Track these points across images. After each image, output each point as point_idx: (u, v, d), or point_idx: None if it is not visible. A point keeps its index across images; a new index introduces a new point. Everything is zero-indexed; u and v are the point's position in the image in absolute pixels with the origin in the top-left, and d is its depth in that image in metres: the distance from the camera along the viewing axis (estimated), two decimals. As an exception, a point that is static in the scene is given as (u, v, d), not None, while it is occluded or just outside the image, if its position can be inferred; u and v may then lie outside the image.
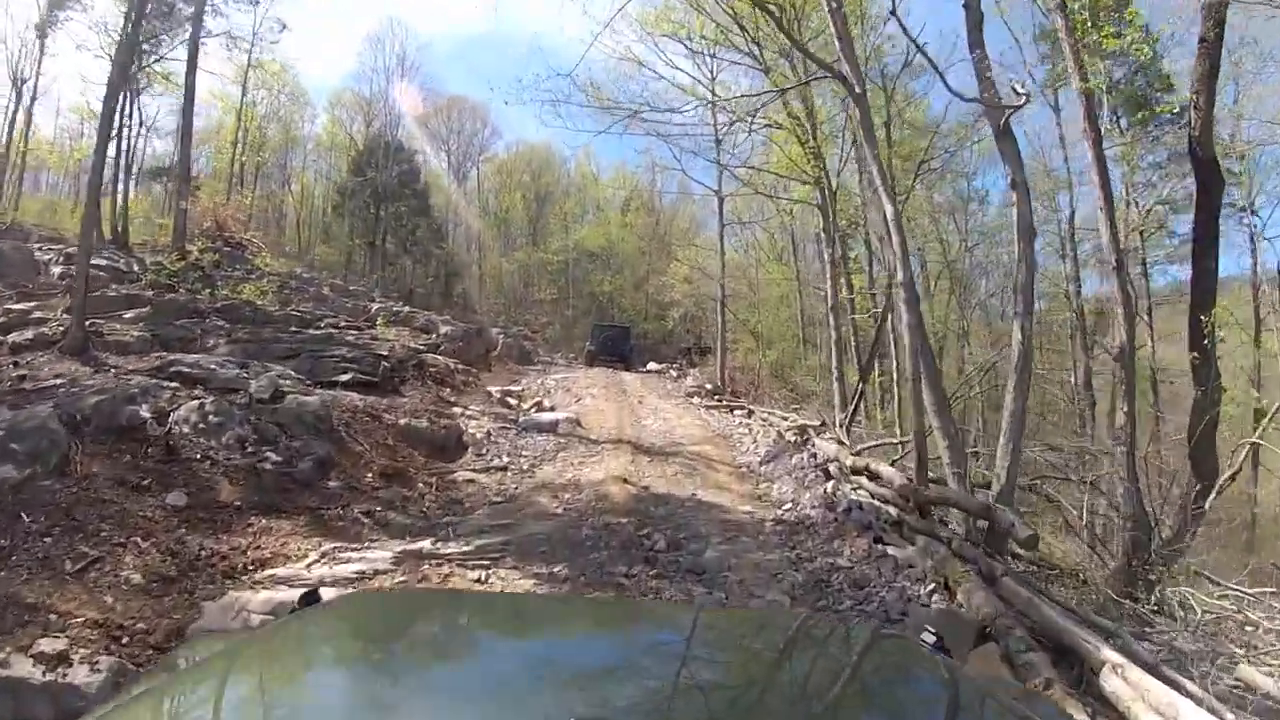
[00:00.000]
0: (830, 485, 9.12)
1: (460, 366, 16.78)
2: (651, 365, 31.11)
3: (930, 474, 8.60)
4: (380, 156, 38.92)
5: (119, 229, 24.90)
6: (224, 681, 1.51)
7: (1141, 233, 24.19)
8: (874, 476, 9.43)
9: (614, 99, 14.47)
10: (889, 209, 8.07)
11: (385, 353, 14.15)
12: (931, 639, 2.03)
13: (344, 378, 12.74)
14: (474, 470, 10.34)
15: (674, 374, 28.44)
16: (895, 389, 19.74)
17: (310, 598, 2.05)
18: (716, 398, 20.92)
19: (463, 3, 51.81)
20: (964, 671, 2.04)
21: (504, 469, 10.50)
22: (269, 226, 47.31)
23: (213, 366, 10.75)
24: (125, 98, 26.25)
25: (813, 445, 12.66)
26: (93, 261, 21.42)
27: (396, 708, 1.36)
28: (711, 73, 20.55)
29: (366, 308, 23.96)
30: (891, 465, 10.98)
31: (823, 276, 38.00)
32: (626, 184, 52.45)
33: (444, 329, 24.04)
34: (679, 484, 9.79)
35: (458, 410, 13.29)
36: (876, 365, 27.65)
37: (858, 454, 11.60)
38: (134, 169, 39.74)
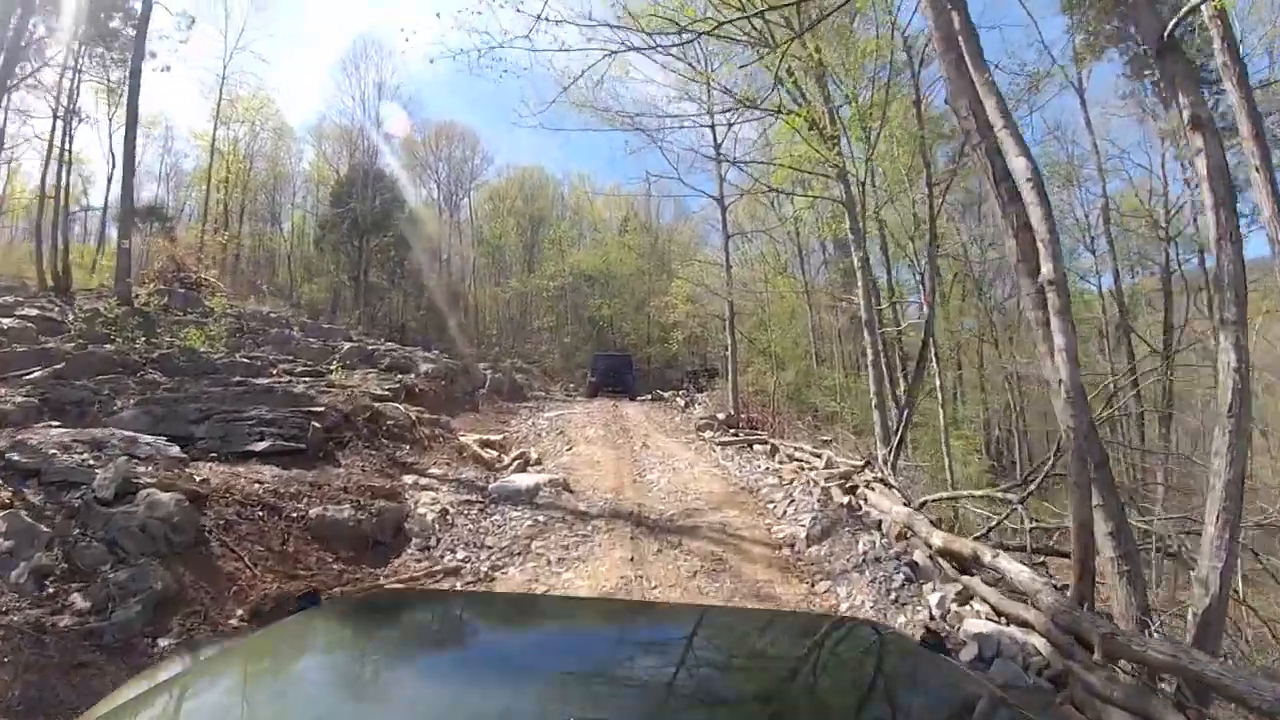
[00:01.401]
0: (934, 600, 5.85)
1: (427, 416, 13.59)
2: (656, 393, 27.96)
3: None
4: (360, 186, 35.87)
5: (60, 272, 21.83)
6: (224, 681, 1.49)
7: (1197, 217, 21.07)
8: (988, 573, 6.22)
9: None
10: (1021, 164, 4.91)
11: (320, 409, 10.97)
12: (932, 639, 1.96)
13: (259, 446, 9.58)
14: (410, 579, 7.14)
15: (681, 402, 25.22)
16: (941, 412, 16.55)
17: (310, 598, 1.97)
18: (731, 431, 17.72)
19: (452, 32, 48.99)
20: (962, 669, 2.05)
21: (455, 572, 7.31)
22: (260, 266, 44.69)
23: (53, 451, 7.58)
24: (62, 129, 23.35)
25: (869, 503, 9.48)
26: (24, 311, 18.59)
27: (397, 707, 1.33)
28: (707, 67, 17.57)
29: (336, 348, 20.90)
30: (983, 538, 7.79)
31: (839, 286, 35.06)
32: (622, 204, 49.76)
33: (424, 367, 20.94)
34: (700, 594, 6.54)
35: (410, 480, 10.09)
36: (902, 382, 24.57)
37: (935, 520, 8.41)
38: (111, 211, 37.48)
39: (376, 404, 13.56)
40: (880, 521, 8.24)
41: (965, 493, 10.40)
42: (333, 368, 15.62)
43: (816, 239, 36.09)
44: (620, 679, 1.53)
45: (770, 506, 9.77)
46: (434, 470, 10.93)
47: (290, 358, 18.56)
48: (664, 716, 1.34)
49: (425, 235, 42.21)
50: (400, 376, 19.24)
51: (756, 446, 15.83)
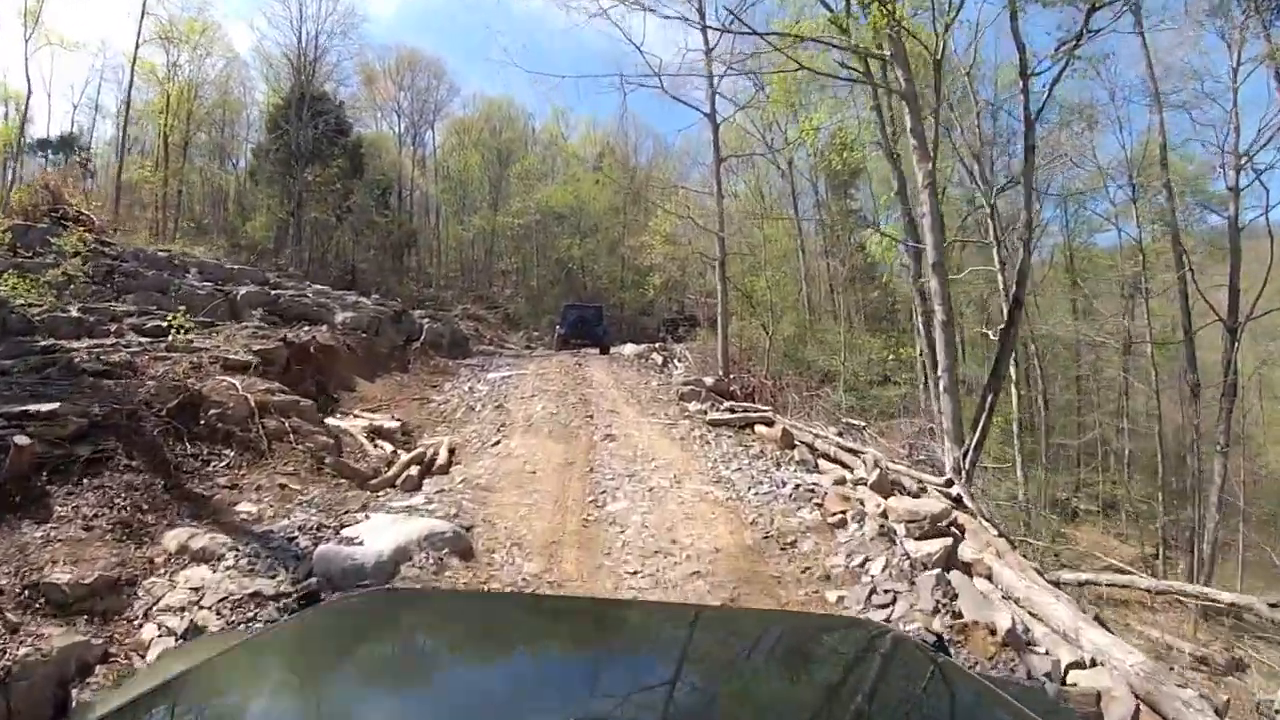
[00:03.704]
0: None
1: (280, 399, 8.68)
2: (629, 348, 23.12)
3: None
4: (296, 109, 30.07)
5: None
6: (224, 682, 1.42)
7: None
8: None
9: None
10: None
11: (49, 409, 6.12)
12: (932, 639, 1.95)
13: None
14: None
15: (658, 359, 20.37)
16: (1014, 395, 11.95)
17: (310, 598, 1.96)
18: (727, 405, 12.98)
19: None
20: (964, 670, 1.87)
21: None
22: (215, 205, 39.21)
23: None
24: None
25: (1006, 591, 4.94)
26: None
27: (396, 707, 1.28)
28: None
29: (232, 295, 15.91)
30: None
31: (834, 230, 30.22)
32: (598, 141, 44.58)
33: (341, 316, 16.06)
34: None
35: (173, 542, 5.26)
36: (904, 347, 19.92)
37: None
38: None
39: (224, 379, 8.83)
40: (1099, 697, 3.63)
41: (1134, 580, 5.89)
42: (169, 322, 10.57)
43: (808, 178, 31.26)
44: (619, 679, 1.44)
45: (833, 599, 5.10)
46: (245, 506, 6.15)
47: (153, 309, 13.63)
48: (663, 716, 1.25)
49: (379, 168, 36.68)
50: (308, 329, 14.41)
51: (760, 429, 11.24)
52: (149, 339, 10.87)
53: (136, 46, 31.98)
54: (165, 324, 11.29)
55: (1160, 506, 21.49)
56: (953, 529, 6.25)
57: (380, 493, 7.19)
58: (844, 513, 6.64)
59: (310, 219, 31.64)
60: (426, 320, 19.04)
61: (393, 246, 34.94)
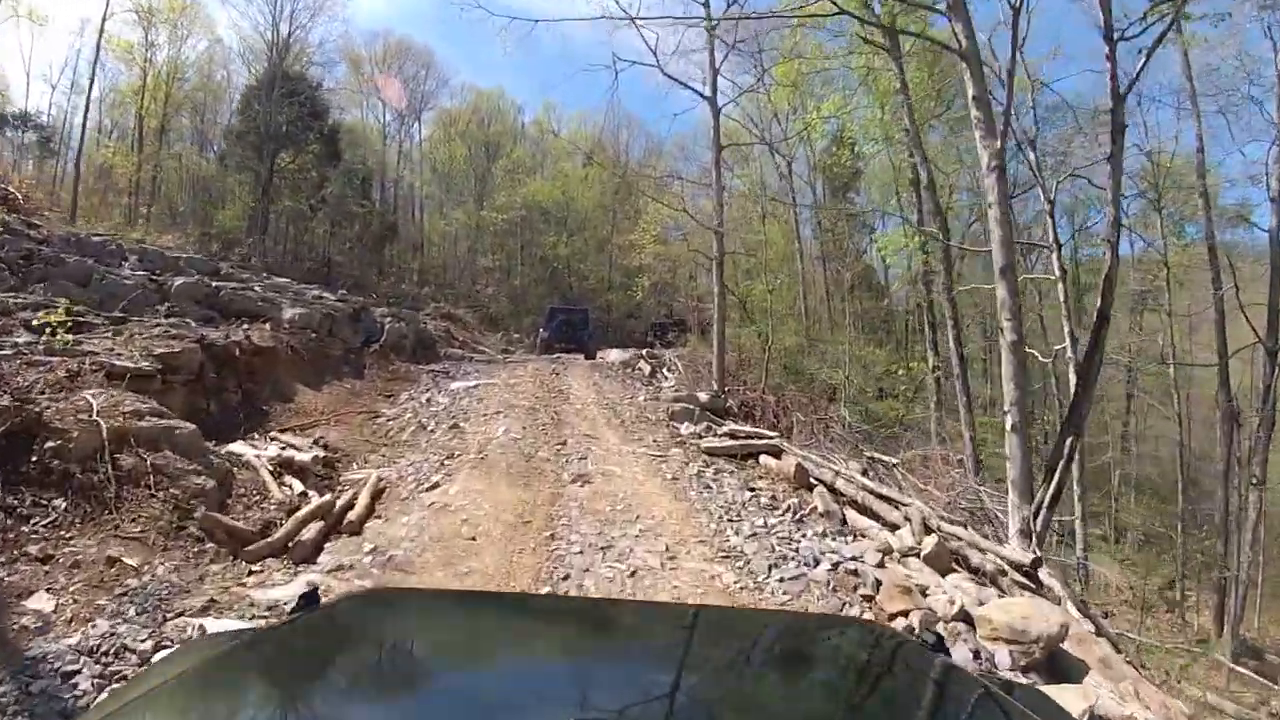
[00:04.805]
0: None
1: (150, 425, 6.54)
2: (614, 353, 21.02)
3: None
4: (267, 89, 27.82)
5: None
6: (225, 681, 1.36)
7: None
8: None
9: None
10: None
11: None
12: (932, 639, 1.75)
13: None
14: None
15: (645, 368, 18.28)
16: (1050, 422, 9.99)
17: (310, 598, 1.77)
18: (726, 430, 10.91)
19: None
20: (964, 670, 1.75)
21: None
22: (198, 193, 36.94)
23: None
24: None
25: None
26: None
27: (393, 709, 1.23)
28: None
29: (165, 285, 13.76)
30: None
31: (835, 238, 28.23)
32: (588, 138, 42.49)
33: (290, 312, 13.92)
34: None
35: None
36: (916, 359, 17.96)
37: None
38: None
39: (84, 397, 6.72)
40: None
41: None
42: (43, 318, 8.45)
43: (806, 180, 29.25)
44: (618, 680, 1.39)
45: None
46: (38, 601, 4.02)
47: (62, 300, 11.50)
48: (662, 716, 1.19)
49: (359, 157, 34.42)
50: (246, 327, 12.36)
51: (767, 460, 9.27)
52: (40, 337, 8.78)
53: (104, 20, 29.64)
54: (95, 318, 9.24)
55: (1179, 539, 19.64)
56: (1064, 646, 4.27)
57: (257, 565, 5.09)
58: (906, 613, 4.62)
59: (284, 208, 29.39)
60: (389, 319, 16.88)
61: (372, 239, 32.62)
